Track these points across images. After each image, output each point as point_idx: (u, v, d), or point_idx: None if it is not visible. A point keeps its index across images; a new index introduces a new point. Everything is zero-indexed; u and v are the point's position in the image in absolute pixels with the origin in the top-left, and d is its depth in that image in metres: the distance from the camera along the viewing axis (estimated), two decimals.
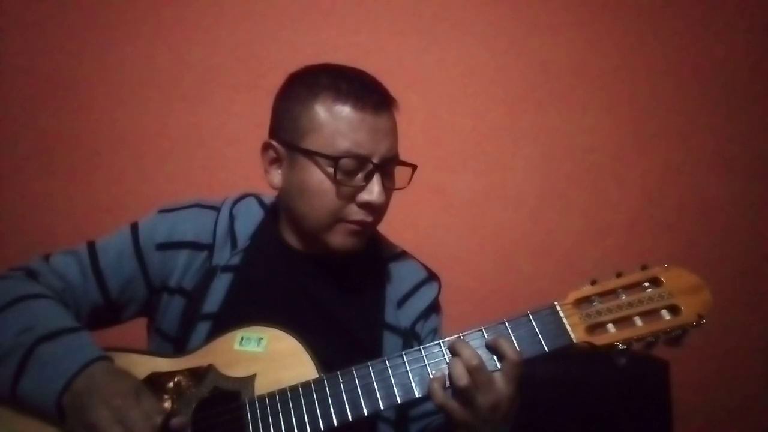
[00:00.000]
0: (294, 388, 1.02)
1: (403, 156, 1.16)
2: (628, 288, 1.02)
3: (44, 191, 2.02)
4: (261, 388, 1.03)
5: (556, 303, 1.02)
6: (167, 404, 1.03)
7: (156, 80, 2.03)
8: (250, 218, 1.23)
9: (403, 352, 1.03)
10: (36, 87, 2.02)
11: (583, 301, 1.02)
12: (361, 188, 1.11)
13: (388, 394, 1.00)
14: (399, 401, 1.00)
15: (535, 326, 1.01)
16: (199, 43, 2.03)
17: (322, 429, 0.99)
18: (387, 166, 1.13)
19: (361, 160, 1.10)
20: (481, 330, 1.01)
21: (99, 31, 2.03)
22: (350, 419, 1.00)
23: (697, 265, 1.03)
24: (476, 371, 0.96)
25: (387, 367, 1.02)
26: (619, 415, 1.70)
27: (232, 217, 1.22)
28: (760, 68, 2.11)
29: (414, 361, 1.02)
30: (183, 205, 1.23)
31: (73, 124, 2.03)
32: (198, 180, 2.01)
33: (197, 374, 1.06)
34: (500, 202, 2.08)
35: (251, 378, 1.04)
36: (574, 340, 1.00)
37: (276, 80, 1.19)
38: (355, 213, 1.12)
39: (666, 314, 0.99)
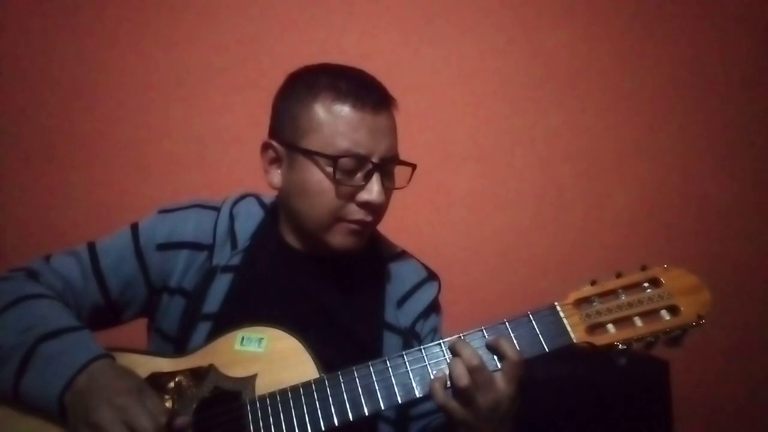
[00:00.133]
0: (295, 388, 1.02)
1: (403, 155, 1.16)
2: (628, 288, 1.02)
3: (44, 191, 2.02)
4: (262, 388, 1.03)
5: (556, 303, 1.02)
6: (168, 404, 1.03)
7: (156, 80, 2.03)
8: (250, 218, 1.23)
9: (404, 352, 1.03)
10: (36, 87, 2.02)
11: (583, 302, 1.02)
12: (361, 188, 1.11)
13: (389, 394, 1.00)
14: (400, 401, 1.01)
15: (536, 326, 1.01)
16: (199, 44, 2.03)
17: (323, 429, 0.99)
18: (386, 166, 1.13)
19: (361, 160, 1.10)
20: (482, 330, 1.02)
21: (99, 31, 2.03)
22: (351, 419, 1.00)
23: (697, 265, 1.04)
24: (477, 371, 0.96)
25: (388, 367, 1.02)
26: (619, 415, 1.70)
27: (232, 217, 1.22)
28: (761, 68, 2.11)
29: (414, 361, 1.02)
30: (183, 205, 1.23)
31: (74, 124, 2.03)
32: (198, 180, 2.01)
33: (198, 374, 1.06)
34: (500, 202, 2.09)
35: (252, 378, 1.04)
36: (575, 340, 1.00)
37: (276, 80, 1.19)
38: (355, 212, 1.12)
39: (666, 314, 0.99)
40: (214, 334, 1.11)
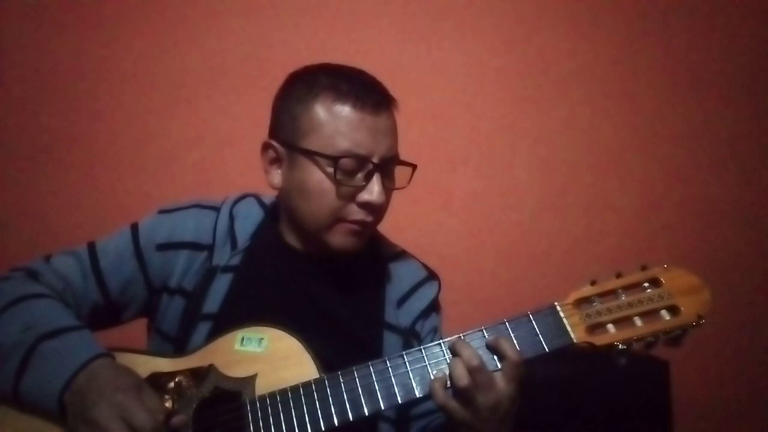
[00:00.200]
0: (295, 388, 1.02)
1: (403, 156, 1.16)
2: (628, 288, 1.02)
3: (44, 191, 2.02)
4: (262, 388, 1.03)
5: (556, 303, 1.02)
6: (168, 404, 1.03)
7: (156, 80, 2.03)
8: (249, 218, 1.23)
9: (404, 352, 1.03)
10: (36, 87, 2.02)
11: (583, 302, 1.02)
12: (361, 188, 1.11)
13: (389, 394, 1.00)
14: (400, 401, 1.01)
15: (536, 326, 1.01)
16: (200, 44, 2.03)
17: (323, 429, 0.99)
18: (387, 166, 1.13)
19: (361, 160, 1.10)
20: (482, 330, 1.02)
21: (99, 31, 2.02)
22: (351, 419, 1.00)
23: (696, 265, 1.04)
24: (477, 371, 0.96)
25: (388, 367, 1.02)
26: (619, 415, 1.70)
27: (231, 218, 1.22)
28: (761, 68, 2.11)
29: (415, 361, 1.02)
30: (183, 205, 1.23)
31: (74, 124, 2.03)
32: (198, 180, 2.01)
33: (198, 374, 1.06)
34: (500, 202, 2.08)
35: (252, 378, 1.04)
36: (575, 340, 1.00)
37: (276, 80, 1.19)
38: (355, 213, 1.12)
39: (666, 314, 0.99)
40: (214, 334, 1.11)
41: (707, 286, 1.00)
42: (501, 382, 0.97)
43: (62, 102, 2.02)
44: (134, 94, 2.03)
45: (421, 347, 1.03)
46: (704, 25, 2.10)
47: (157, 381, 1.05)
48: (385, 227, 1.25)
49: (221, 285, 1.17)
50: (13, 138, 2.02)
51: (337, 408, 1.00)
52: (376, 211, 1.14)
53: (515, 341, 1.00)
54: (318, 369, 1.04)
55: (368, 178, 1.11)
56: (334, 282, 1.20)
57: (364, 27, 2.05)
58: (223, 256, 1.18)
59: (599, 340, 0.99)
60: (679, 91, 2.10)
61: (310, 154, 1.10)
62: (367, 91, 1.11)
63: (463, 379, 0.96)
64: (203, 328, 1.14)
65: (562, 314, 1.01)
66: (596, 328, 1.00)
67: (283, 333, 1.07)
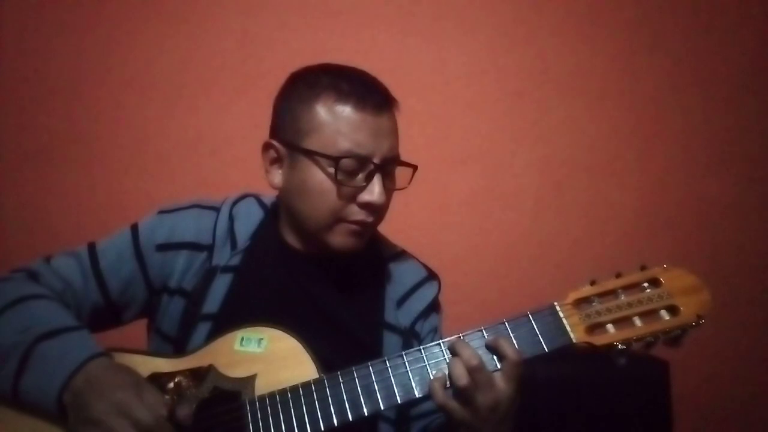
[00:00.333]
0: (294, 389, 1.02)
1: (404, 156, 1.16)
2: (628, 288, 1.02)
3: (44, 191, 2.02)
4: (261, 388, 1.03)
5: (555, 303, 1.02)
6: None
7: (156, 80, 2.03)
8: (249, 218, 1.23)
9: (404, 353, 1.03)
10: (36, 87, 2.02)
11: (583, 302, 1.02)
12: (362, 188, 1.11)
13: (389, 394, 1.00)
14: (399, 401, 1.01)
15: (535, 326, 1.01)
16: (200, 44, 2.03)
17: (323, 429, 1.00)
18: (388, 167, 1.13)
19: (362, 161, 1.10)
20: (482, 330, 1.02)
21: (99, 31, 2.03)
22: (350, 419, 1.00)
23: (696, 264, 1.04)
24: (476, 371, 0.96)
25: (387, 367, 1.02)
26: (619, 415, 1.70)
27: (231, 218, 1.22)
28: (761, 68, 2.11)
29: (414, 361, 1.02)
30: (183, 205, 1.23)
31: (74, 125, 2.03)
32: (198, 180, 2.01)
33: (198, 374, 1.06)
34: (500, 202, 2.09)
35: (251, 378, 1.04)
36: (574, 341, 1.00)
37: (276, 80, 1.19)
38: (356, 213, 1.12)
39: (665, 314, 0.99)
40: (213, 335, 1.11)
41: (707, 286, 1.00)
42: (500, 382, 0.97)
43: (62, 102, 2.02)
44: (134, 94, 2.03)
45: (421, 347, 1.03)
46: (704, 25, 2.10)
47: (157, 381, 1.05)
48: (385, 227, 1.25)
49: (221, 285, 1.17)
50: (13, 138, 2.02)
51: (336, 408, 1.00)
52: (377, 211, 1.14)
53: (515, 341, 1.00)
54: (317, 369, 1.04)
55: (369, 178, 1.11)
56: (334, 282, 1.20)
57: (364, 27, 2.05)
58: (223, 257, 1.18)
59: (599, 340, 0.99)
60: (679, 91, 2.10)
61: (311, 154, 1.10)
62: (368, 92, 1.11)
63: (462, 378, 0.96)
64: (203, 329, 1.14)
65: (561, 314, 1.01)
66: (596, 328, 1.00)
67: (283, 333, 1.07)
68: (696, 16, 2.10)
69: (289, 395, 1.02)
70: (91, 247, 1.18)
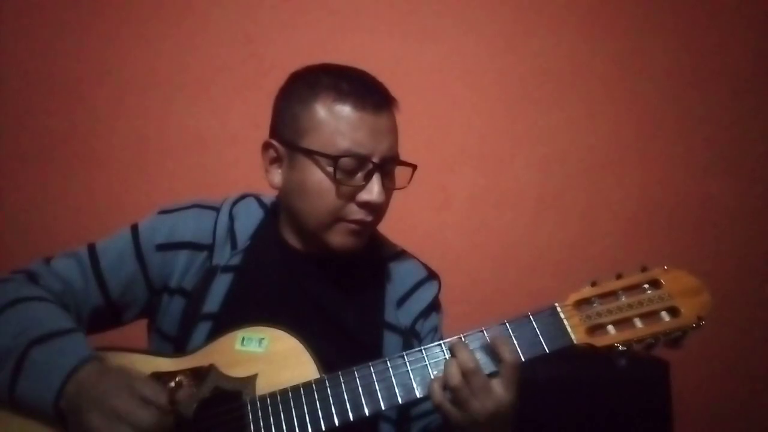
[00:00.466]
0: (295, 388, 1.02)
1: (403, 156, 1.16)
2: (628, 290, 1.02)
3: (44, 191, 2.02)
4: (262, 388, 1.03)
5: (556, 304, 1.02)
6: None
7: (156, 80, 2.03)
8: (249, 218, 1.23)
9: (405, 353, 1.03)
10: (36, 87, 2.02)
11: (584, 303, 1.02)
12: (361, 188, 1.11)
13: (390, 394, 1.01)
14: (400, 401, 1.01)
15: (536, 327, 1.01)
16: (200, 44, 2.03)
17: (324, 429, 1.00)
18: (387, 166, 1.13)
19: (361, 160, 1.10)
20: (482, 331, 1.02)
21: (100, 31, 2.02)
22: (351, 419, 1.00)
23: (696, 264, 1.04)
24: (472, 375, 0.96)
25: (388, 368, 1.02)
26: (619, 415, 1.71)
27: (231, 218, 1.22)
28: (761, 68, 2.11)
29: (415, 361, 1.02)
30: (183, 205, 1.23)
31: (73, 124, 2.03)
32: (198, 180, 2.01)
33: (198, 374, 1.06)
34: (500, 202, 2.09)
35: (252, 378, 1.04)
36: (575, 342, 1.00)
37: (276, 80, 1.19)
38: (355, 212, 1.12)
39: (666, 316, 0.99)
40: (214, 334, 1.11)
41: (707, 287, 1.00)
42: (499, 387, 0.96)
43: (62, 102, 2.02)
44: (134, 94, 2.03)
45: (422, 348, 1.03)
46: (703, 25, 2.10)
47: (158, 381, 1.04)
48: (385, 227, 1.25)
49: (221, 285, 1.17)
50: (13, 138, 2.02)
51: (337, 408, 1.00)
52: (376, 210, 1.14)
53: (516, 342, 1.00)
54: (318, 369, 1.04)
55: (368, 177, 1.11)
56: (334, 282, 1.20)
57: (364, 27, 2.05)
58: (223, 256, 1.18)
59: (599, 341, 1.00)
60: (679, 91, 2.10)
61: (310, 154, 1.10)
62: (367, 91, 1.12)
63: (454, 378, 0.96)
64: (203, 328, 1.14)
65: (562, 315, 1.01)
66: (596, 329, 1.01)
67: (284, 333, 1.07)
68: (696, 16, 2.10)
69: (290, 395, 1.02)
70: (91, 248, 1.18)
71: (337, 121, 1.10)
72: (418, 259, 1.31)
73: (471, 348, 0.99)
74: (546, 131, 2.09)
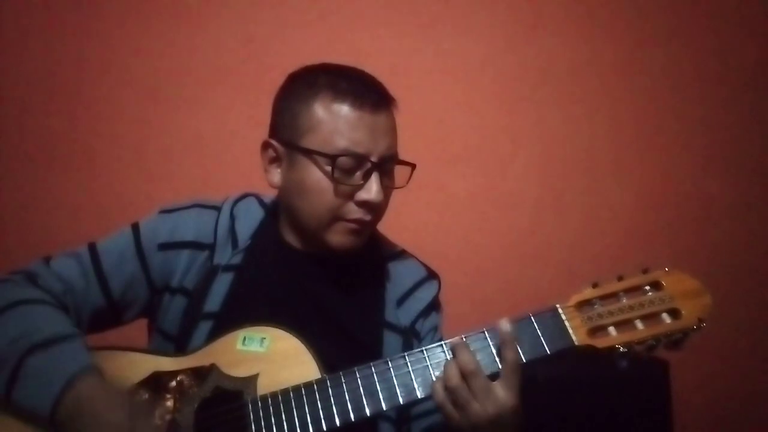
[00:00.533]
0: (296, 388, 1.02)
1: (403, 155, 1.16)
2: (630, 291, 1.02)
3: (44, 191, 2.02)
4: (263, 387, 1.03)
5: (558, 305, 1.02)
6: (169, 403, 1.03)
7: (156, 80, 2.03)
8: (250, 218, 1.23)
9: (406, 353, 1.03)
10: (36, 87, 2.02)
11: (585, 304, 1.02)
12: (360, 187, 1.11)
13: (391, 394, 1.01)
14: (401, 402, 1.01)
15: (537, 328, 1.01)
16: (200, 44, 2.03)
17: (325, 429, 0.99)
18: (385, 165, 1.13)
19: (360, 159, 1.10)
20: (484, 332, 1.02)
21: (100, 31, 2.02)
22: (352, 419, 1.00)
23: (696, 265, 1.04)
24: (472, 377, 0.95)
25: (389, 368, 1.02)
26: (619, 415, 1.71)
27: (232, 217, 1.22)
28: (761, 68, 2.11)
29: (416, 361, 1.02)
30: (184, 205, 1.23)
31: (74, 124, 2.03)
32: (198, 180, 2.01)
33: (200, 374, 1.06)
34: (500, 202, 2.09)
35: (254, 378, 1.04)
36: (576, 343, 1.00)
37: (276, 80, 1.19)
38: (354, 212, 1.12)
39: (667, 318, 0.99)
40: (215, 333, 1.11)
41: (708, 290, 1.00)
42: (500, 390, 0.96)
43: (62, 102, 2.02)
44: (134, 95, 2.03)
45: (423, 348, 1.03)
46: (703, 25, 2.10)
47: (159, 380, 1.05)
48: (385, 227, 1.25)
49: (222, 284, 1.17)
50: (13, 138, 2.02)
51: (338, 408, 1.00)
52: (375, 209, 1.14)
53: (516, 343, 1.00)
54: (320, 369, 1.04)
55: (367, 176, 1.11)
56: (334, 281, 1.20)
57: (364, 27, 2.05)
58: (224, 256, 1.18)
59: (600, 342, 1.00)
60: (679, 91, 2.10)
61: (309, 153, 1.11)
62: (366, 90, 1.12)
63: (454, 378, 0.96)
64: (204, 327, 1.14)
65: (563, 316, 1.01)
66: (597, 330, 1.01)
67: (285, 333, 1.07)
68: (696, 16, 2.10)
69: (292, 395, 1.02)
70: (92, 248, 1.17)
71: (335, 121, 1.10)
72: (417, 259, 1.31)
73: (472, 349, 0.99)
74: (546, 131, 2.09)
